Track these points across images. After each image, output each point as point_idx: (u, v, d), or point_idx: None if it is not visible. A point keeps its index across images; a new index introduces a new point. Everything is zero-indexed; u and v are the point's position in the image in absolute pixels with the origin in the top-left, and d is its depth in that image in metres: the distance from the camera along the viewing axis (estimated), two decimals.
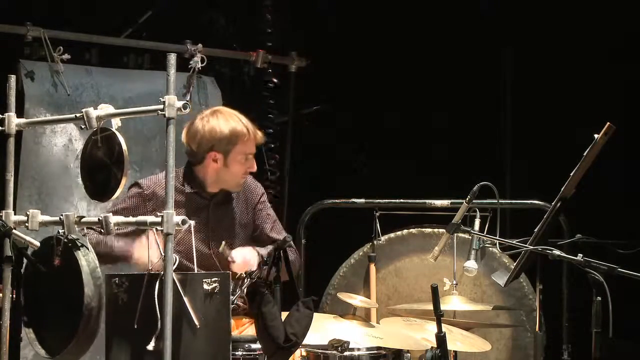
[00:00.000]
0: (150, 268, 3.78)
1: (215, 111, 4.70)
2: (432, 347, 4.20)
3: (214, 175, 4.67)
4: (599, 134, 4.04)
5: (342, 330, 4.33)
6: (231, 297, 3.81)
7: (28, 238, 3.88)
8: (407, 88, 6.53)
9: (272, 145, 6.48)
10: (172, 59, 3.69)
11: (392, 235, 5.67)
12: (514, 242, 4.27)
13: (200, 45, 5.99)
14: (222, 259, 4.62)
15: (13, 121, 4.00)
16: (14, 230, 3.88)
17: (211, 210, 4.70)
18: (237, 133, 4.61)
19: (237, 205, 4.79)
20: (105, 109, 3.83)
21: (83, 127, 3.83)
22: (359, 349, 4.33)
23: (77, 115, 3.85)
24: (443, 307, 4.23)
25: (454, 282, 4.97)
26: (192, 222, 3.71)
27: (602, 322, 3.94)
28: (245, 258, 4.55)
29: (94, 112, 3.82)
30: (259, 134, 4.71)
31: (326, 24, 6.60)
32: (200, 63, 5.97)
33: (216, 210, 4.71)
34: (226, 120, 4.62)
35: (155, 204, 4.56)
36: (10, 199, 3.97)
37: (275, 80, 6.53)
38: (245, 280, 4.13)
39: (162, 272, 3.64)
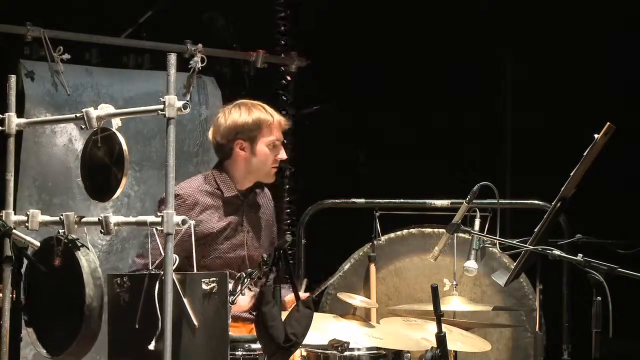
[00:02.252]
0: (150, 268, 3.78)
1: (237, 103, 4.76)
2: (432, 347, 4.20)
3: (243, 166, 4.69)
4: (599, 134, 4.04)
5: (342, 330, 4.33)
6: (231, 297, 3.81)
7: (28, 238, 3.89)
8: (407, 88, 6.53)
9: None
10: (172, 59, 3.69)
11: (392, 235, 5.66)
12: (514, 242, 4.27)
13: (200, 45, 6.00)
14: (254, 262, 4.65)
15: (13, 121, 4.01)
16: (14, 230, 3.88)
17: (245, 212, 4.72)
18: (260, 120, 4.66)
19: (264, 209, 4.83)
20: (105, 109, 3.84)
21: (83, 127, 3.83)
22: (359, 349, 4.33)
23: (77, 115, 3.85)
24: (443, 307, 4.23)
25: (454, 283, 4.96)
26: (192, 222, 3.71)
27: (602, 322, 3.93)
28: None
29: (94, 112, 3.82)
30: (284, 120, 4.75)
31: (326, 24, 6.60)
32: (200, 63, 5.97)
33: (249, 212, 4.74)
34: (248, 109, 4.68)
35: (200, 210, 4.62)
36: (11, 199, 3.98)
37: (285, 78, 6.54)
38: (245, 281, 4.13)
39: (161, 272, 3.64)
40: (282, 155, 4.73)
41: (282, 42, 6.52)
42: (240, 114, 4.66)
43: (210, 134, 4.75)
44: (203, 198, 4.65)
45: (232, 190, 4.69)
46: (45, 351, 3.90)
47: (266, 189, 4.90)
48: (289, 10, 6.53)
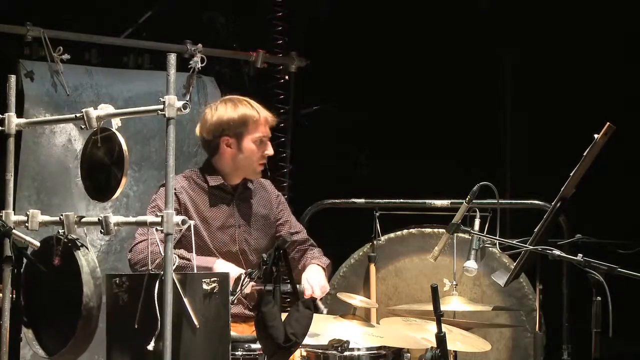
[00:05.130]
0: (150, 268, 3.78)
1: (224, 99, 4.75)
2: (432, 347, 4.20)
3: (230, 162, 4.67)
4: (599, 134, 4.04)
5: (342, 330, 4.33)
6: (231, 297, 3.81)
7: (28, 238, 3.88)
8: (407, 88, 6.53)
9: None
10: (172, 59, 3.69)
11: (392, 235, 5.67)
12: (514, 242, 4.27)
13: (200, 45, 5.99)
14: (247, 257, 4.64)
15: (13, 121, 4.00)
16: (14, 230, 3.88)
17: (236, 206, 4.70)
18: (246, 116, 4.64)
19: (258, 203, 4.79)
20: (105, 109, 3.83)
21: (83, 127, 3.83)
22: (359, 349, 4.33)
23: (77, 115, 3.85)
24: (443, 307, 4.23)
25: (454, 283, 4.97)
26: (192, 222, 3.70)
27: (602, 322, 3.94)
28: (320, 284, 4.61)
29: (94, 112, 3.81)
30: (270, 116, 4.72)
31: (326, 24, 6.60)
32: (200, 63, 5.97)
33: (241, 206, 4.72)
34: (234, 105, 4.66)
35: (187, 199, 4.61)
36: (10, 199, 3.97)
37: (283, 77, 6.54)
38: (245, 281, 4.13)
39: (161, 272, 3.64)
40: (269, 151, 4.70)
41: (282, 42, 6.52)
42: (226, 109, 4.64)
43: (197, 130, 4.72)
44: (188, 186, 4.63)
45: (218, 180, 4.67)
46: (42, 351, 3.90)
47: (264, 180, 4.86)
48: (289, 11, 6.53)
